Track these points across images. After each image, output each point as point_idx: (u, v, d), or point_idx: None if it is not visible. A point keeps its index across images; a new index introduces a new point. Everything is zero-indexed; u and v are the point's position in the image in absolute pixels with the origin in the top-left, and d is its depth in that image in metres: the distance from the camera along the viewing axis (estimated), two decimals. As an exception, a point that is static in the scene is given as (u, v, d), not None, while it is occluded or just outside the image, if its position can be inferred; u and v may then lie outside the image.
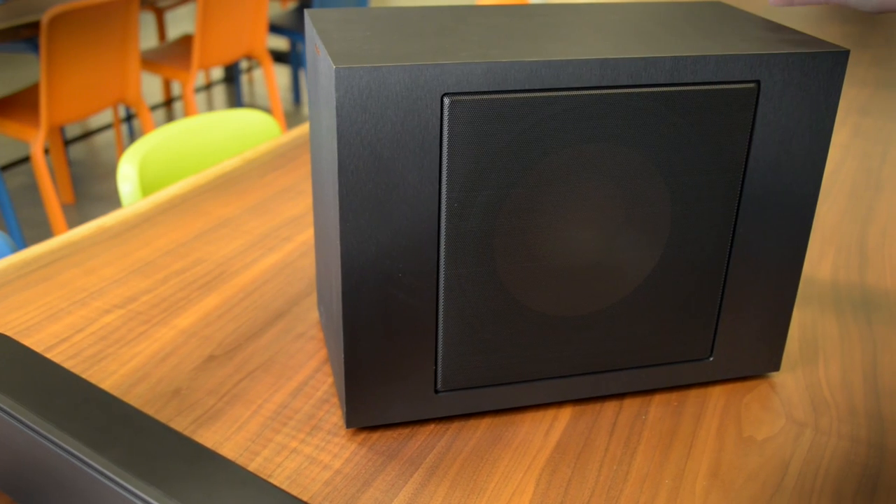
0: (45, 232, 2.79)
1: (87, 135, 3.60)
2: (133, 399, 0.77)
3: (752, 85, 0.68)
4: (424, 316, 0.69)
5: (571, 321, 0.73)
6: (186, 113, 3.00)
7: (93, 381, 0.79)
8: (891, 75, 1.86)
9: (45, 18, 2.20)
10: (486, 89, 0.62)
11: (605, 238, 0.70)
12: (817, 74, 0.69)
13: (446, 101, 0.62)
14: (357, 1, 3.74)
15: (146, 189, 1.27)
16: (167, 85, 3.85)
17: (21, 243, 2.51)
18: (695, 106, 0.67)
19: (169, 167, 1.31)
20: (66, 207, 2.94)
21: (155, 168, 1.28)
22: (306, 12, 0.75)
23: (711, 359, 0.79)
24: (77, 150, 3.45)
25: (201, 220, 1.10)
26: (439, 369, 0.72)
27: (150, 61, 2.99)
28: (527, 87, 0.63)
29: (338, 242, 0.65)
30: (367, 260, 0.66)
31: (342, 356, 0.69)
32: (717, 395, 0.79)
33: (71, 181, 3.07)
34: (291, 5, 4.33)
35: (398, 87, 0.60)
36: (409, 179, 0.64)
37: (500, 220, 0.67)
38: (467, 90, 0.62)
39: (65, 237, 1.05)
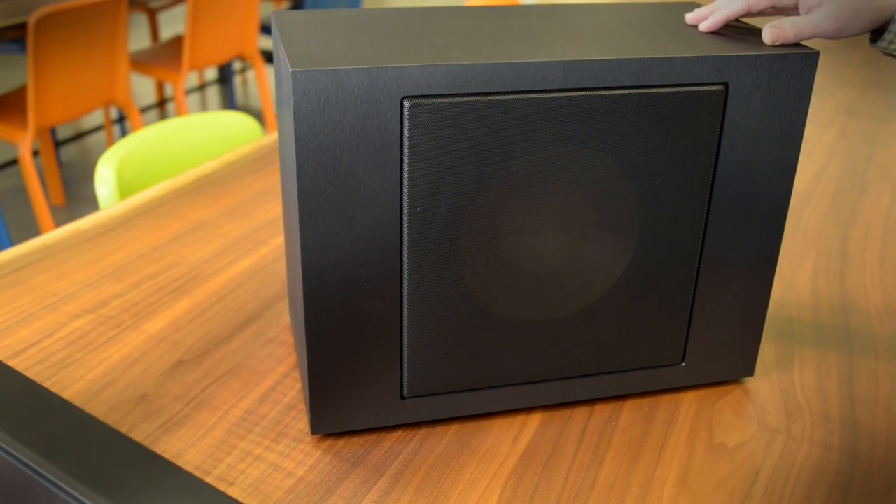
0: (34, 234, 2.78)
1: (79, 136, 3.59)
2: (98, 405, 0.76)
3: (719, 87, 0.67)
4: (389, 321, 0.68)
5: (540, 326, 0.72)
6: (178, 114, 2.99)
7: (59, 386, 0.78)
8: (880, 76, 1.85)
9: (31, 19, 2.19)
10: (446, 92, 0.61)
11: (573, 242, 0.69)
12: (786, 76, 0.68)
13: (406, 104, 0.61)
14: (350, 2, 3.73)
15: (127, 192, 1.26)
16: (160, 86, 3.84)
17: (8, 245, 2.50)
18: (662, 108, 0.66)
19: (148, 170, 1.30)
20: (56, 209, 2.93)
21: (134, 171, 1.27)
22: (272, 15, 0.74)
23: (683, 364, 0.78)
24: (69, 151, 3.44)
25: (177, 224, 1.10)
26: (405, 375, 0.71)
27: (141, 62, 2.98)
28: (489, 90, 0.62)
29: (298, 246, 0.64)
30: (329, 264, 0.65)
31: (306, 361, 0.68)
32: (689, 401, 0.78)
33: (62, 183, 3.06)
34: (285, 6, 4.32)
35: (357, 90, 0.60)
36: (370, 184, 0.63)
37: (466, 225, 0.66)
38: (427, 93, 0.61)
39: (38, 241, 1.04)
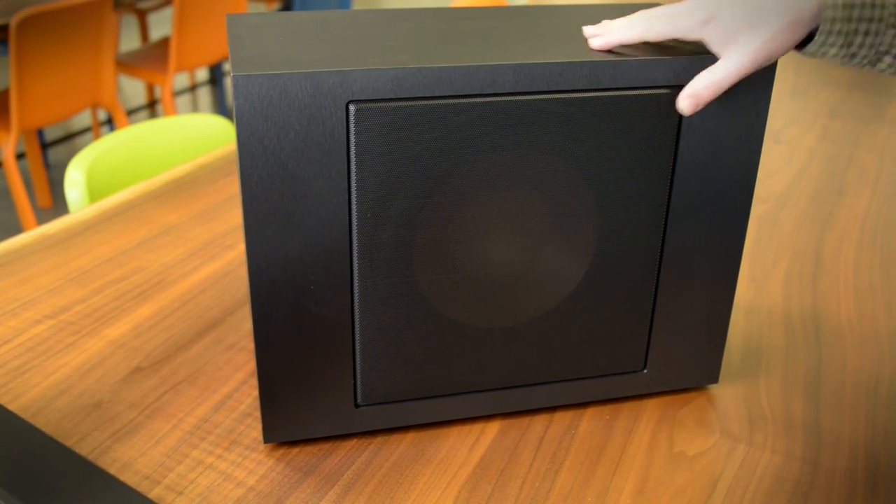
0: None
1: (67, 137, 3.58)
2: (52, 413, 0.75)
3: (675, 90, 0.66)
4: (340, 328, 0.67)
5: (497, 333, 0.71)
6: (165, 116, 2.98)
7: (13, 394, 0.77)
8: (866, 77, 1.84)
9: (14, 21, 2.18)
10: (393, 96, 0.60)
11: (529, 248, 0.68)
12: (744, 79, 0.67)
13: (352, 108, 0.60)
14: (340, 3, 3.72)
15: (98, 195, 1.25)
16: (150, 87, 3.83)
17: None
18: (616, 112, 0.65)
19: (120, 173, 1.29)
20: (43, 211, 2.92)
21: (105, 174, 1.26)
22: (227, 17, 0.73)
23: (645, 371, 0.77)
24: (57, 153, 3.43)
25: (146, 228, 1.08)
26: (359, 383, 0.70)
27: (128, 64, 2.97)
28: (437, 94, 0.61)
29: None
30: (277, 271, 0.64)
31: (257, 369, 0.67)
32: (651, 409, 0.77)
33: (49, 184, 3.05)
34: (276, 6, 4.30)
35: (301, 94, 0.58)
36: (317, 190, 0.62)
37: (418, 231, 0.65)
38: (374, 97, 0.60)
39: (3, 246, 1.03)
